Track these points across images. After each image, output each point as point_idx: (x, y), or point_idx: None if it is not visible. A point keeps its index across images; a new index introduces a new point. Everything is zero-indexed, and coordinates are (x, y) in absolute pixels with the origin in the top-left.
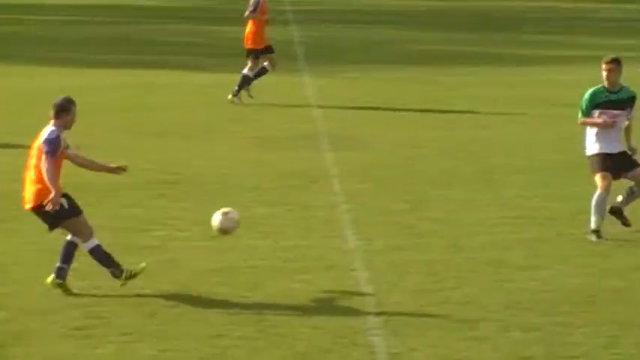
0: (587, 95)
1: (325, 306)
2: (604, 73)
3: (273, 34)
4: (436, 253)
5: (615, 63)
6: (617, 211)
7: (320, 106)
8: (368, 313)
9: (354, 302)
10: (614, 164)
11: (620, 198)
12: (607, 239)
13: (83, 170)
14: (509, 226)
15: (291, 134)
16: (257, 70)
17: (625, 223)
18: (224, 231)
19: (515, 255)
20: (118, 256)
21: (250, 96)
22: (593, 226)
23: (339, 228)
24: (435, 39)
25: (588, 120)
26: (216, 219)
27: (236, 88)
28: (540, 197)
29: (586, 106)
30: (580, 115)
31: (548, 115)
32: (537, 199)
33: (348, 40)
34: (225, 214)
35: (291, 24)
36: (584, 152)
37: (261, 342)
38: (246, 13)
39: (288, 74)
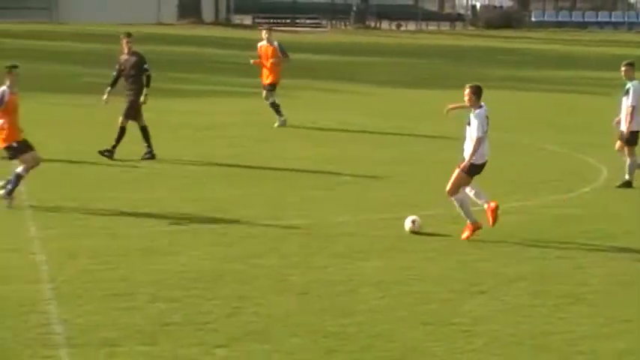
0: None
1: (9, 281)
2: None
3: None
4: (100, 240)
5: None
6: None
7: None
8: (43, 287)
9: (33, 278)
10: None
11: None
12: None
13: None
14: (159, 221)
15: None
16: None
17: None
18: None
19: (161, 244)
20: None
21: None
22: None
23: (22, 219)
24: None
25: None
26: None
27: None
28: (180, 199)
29: None
30: None
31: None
32: (179, 201)
33: None
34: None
35: None
36: None
37: None
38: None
39: None
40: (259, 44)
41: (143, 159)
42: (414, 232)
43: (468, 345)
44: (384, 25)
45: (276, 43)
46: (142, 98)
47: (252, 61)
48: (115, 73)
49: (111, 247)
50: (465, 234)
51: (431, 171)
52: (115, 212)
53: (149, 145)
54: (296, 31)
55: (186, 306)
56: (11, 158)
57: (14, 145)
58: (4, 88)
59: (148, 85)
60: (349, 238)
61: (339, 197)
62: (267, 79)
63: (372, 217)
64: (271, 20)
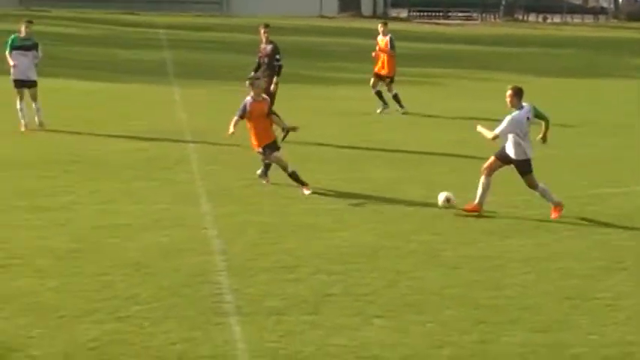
0: None
1: (184, 254)
2: None
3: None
4: (267, 216)
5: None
6: None
7: (184, 109)
8: (215, 259)
9: (206, 251)
10: None
11: None
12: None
13: None
14: (322, 199)
15: (162, 129)
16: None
17: None
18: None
19: (324, 220)
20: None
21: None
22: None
23: (195, 197)
24: None
25: None
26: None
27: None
28: (342, 179)
29: None
30: None
31: (347, 123)
32: (340, 181)
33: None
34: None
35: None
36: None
37: (136, 278)
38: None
39: (162, 85)
40: (378, 38)
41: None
42: (447, 207)
43: (611, 318)
44: (531, 17)
45: (388, 37)
46: (272, 87)
47: (373, 53)
48: (257, 60)
49: (278, 223)
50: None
51: (575, 156)
52: (281, 192)
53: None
54: (448, 24)
55: (347, 278)
56: (264, 160)
57: (260, 150)
58: (248, 98)
59: (278, 75)
60: (497, 218)
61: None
62: (382, 70)
63: (516, 199)
64: (425, 13)
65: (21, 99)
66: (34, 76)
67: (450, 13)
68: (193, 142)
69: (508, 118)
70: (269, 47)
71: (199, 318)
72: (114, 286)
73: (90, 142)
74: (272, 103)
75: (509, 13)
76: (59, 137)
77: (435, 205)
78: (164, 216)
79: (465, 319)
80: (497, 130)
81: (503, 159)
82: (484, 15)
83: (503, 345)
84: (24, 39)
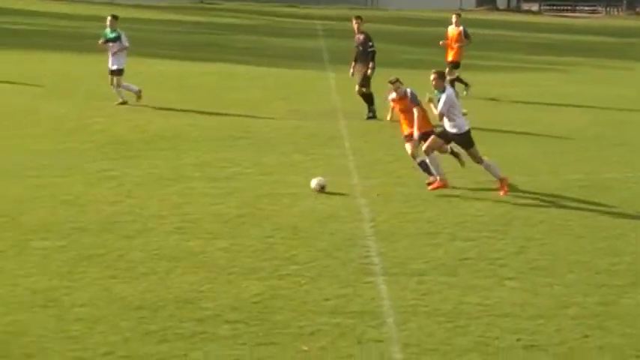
0: None
1: (337, 220)
2: None
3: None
4: (411, 188)
5: None
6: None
7: (337, 92)
8: (364, 225)
9: (356, 218)
10: None
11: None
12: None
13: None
14: (461, 173)
15: (318, 109)
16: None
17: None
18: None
19: (461, 192)
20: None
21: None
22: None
23: (348, 170)
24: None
25: None
26: (314, 182)
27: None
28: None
29: None
30: None
31: (488, 105)
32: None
33: None
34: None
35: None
36: None
37: (295, 241)
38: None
39: (318, 71)
40: (449, 28)
41: (368, 118)
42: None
43: None
44: None
45: (461, 28)
46: (368, 71)
47: (441, 42)
48: (355, 50)
49: (420, 194)
50: (434, 185)
51: None
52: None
53: (371, 110)
54: (576, 17)
55: (481, 244)
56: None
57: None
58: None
59: (372, 60)
60: (617, 191)
61: (608, 157)
62: (449, 57)
63: (637, 175)
64: (554, 7)
65: (111, 83)
66: (114, 66)
67: (577, 7)
68: (345, 120)
69: (443, 97)
70: (362, 37)
71: (350, 277)
72: (274, 248)
73: (255, 121)
74: (368, 85)
75: (632, 7)
76: (228, 116)
77: (561, 179)
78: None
79: (588, 282)
80: (438, 110)
81: (444, 137)
82: (608, 9)
83: (623, 306)
84: (110, 32)
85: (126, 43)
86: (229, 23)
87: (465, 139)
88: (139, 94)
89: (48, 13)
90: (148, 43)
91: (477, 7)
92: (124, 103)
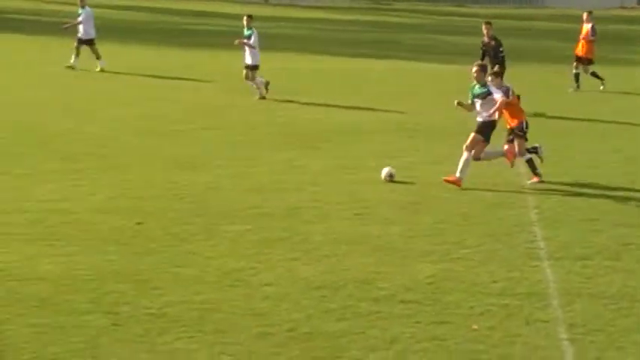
0: None
1: (504, 207)
2: None
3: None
4: (575, 177)
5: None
6: None
7: None
8: (530, 212)
9: (522, 205)
10: None
11: None
12: None
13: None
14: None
15: None
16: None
17: None
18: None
19: (618, 180)
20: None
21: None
22: None
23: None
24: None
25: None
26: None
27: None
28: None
29: None
30: None
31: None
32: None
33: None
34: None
35: None
36: None
37: (464, 227)
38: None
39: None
40: (584, 25)
41: None
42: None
43: None
44: None
45: (590, 25)
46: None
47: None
48: (481, 51)
49: (586, 184)
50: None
51: None
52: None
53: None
54: None
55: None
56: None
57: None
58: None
59: (502, 65)
60: None
61: None
62: (581, 53)
63: None
64: None
65: (246, 78)
66: (246, 61)
67: None
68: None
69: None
70: (493, 43)
71: (517, 261)
72: (446, 233)
73: (423, 114)
74: None
75: None
76: (399, 111)
77: None
78: (487, 175)
79: None
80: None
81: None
82: None
83: None
84: (247, 30)
85: (251, 43)
86: (399, 23)
87: (486, 128)
88: (266, 87)
89: (216, 14)
90: (329, 42)
91: (638, 4)
92: (262, 98)
